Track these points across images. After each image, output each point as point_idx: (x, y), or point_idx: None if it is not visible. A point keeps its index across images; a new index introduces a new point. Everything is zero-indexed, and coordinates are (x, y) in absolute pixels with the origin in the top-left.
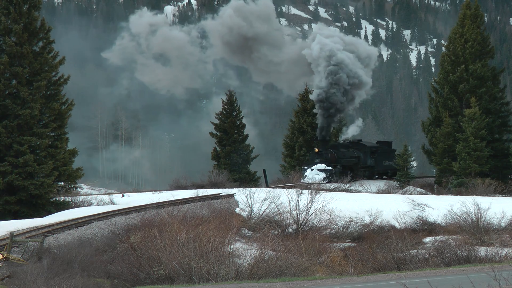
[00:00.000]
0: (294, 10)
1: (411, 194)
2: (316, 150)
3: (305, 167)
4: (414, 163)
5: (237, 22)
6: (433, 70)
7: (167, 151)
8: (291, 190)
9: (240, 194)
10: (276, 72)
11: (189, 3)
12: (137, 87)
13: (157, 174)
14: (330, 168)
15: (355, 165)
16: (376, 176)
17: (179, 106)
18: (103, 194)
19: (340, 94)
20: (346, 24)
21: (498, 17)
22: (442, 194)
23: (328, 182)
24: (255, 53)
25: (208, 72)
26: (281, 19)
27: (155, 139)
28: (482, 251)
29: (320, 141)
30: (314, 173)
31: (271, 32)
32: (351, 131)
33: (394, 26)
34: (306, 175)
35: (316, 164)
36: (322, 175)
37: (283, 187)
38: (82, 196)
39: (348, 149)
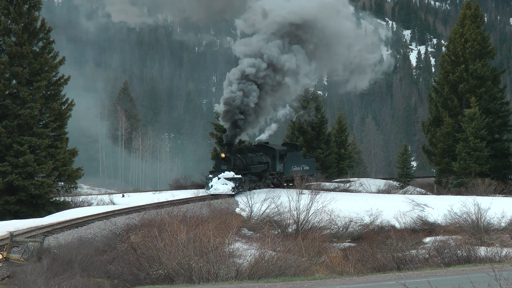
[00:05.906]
0: None
1: (411, 194)
2: (223, 155)
3: (210, 176)
4: (414, 163)
5: None
6: (433, 70)
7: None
8: (291, 190)
9: (240, 194)
10: None
11: None
12: None
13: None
14: (240, 176)
15: (264, 172)
16: (285, 184)
17: None
18: (103, 194)
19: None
20: None
21: (498, 17)
22: (442, 194)
23: (236, 194)
24: None
25: None
26: None
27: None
28: (482, 251)
29: (227, 144)
30: (221, 183)
31: None
32: (267, 132)
33: (394, 26)
34: (211, 185)
35: (223, 172)
36: (231, 184)
37: (283, 187)
38: (82, 196)
39: (256, 154)
